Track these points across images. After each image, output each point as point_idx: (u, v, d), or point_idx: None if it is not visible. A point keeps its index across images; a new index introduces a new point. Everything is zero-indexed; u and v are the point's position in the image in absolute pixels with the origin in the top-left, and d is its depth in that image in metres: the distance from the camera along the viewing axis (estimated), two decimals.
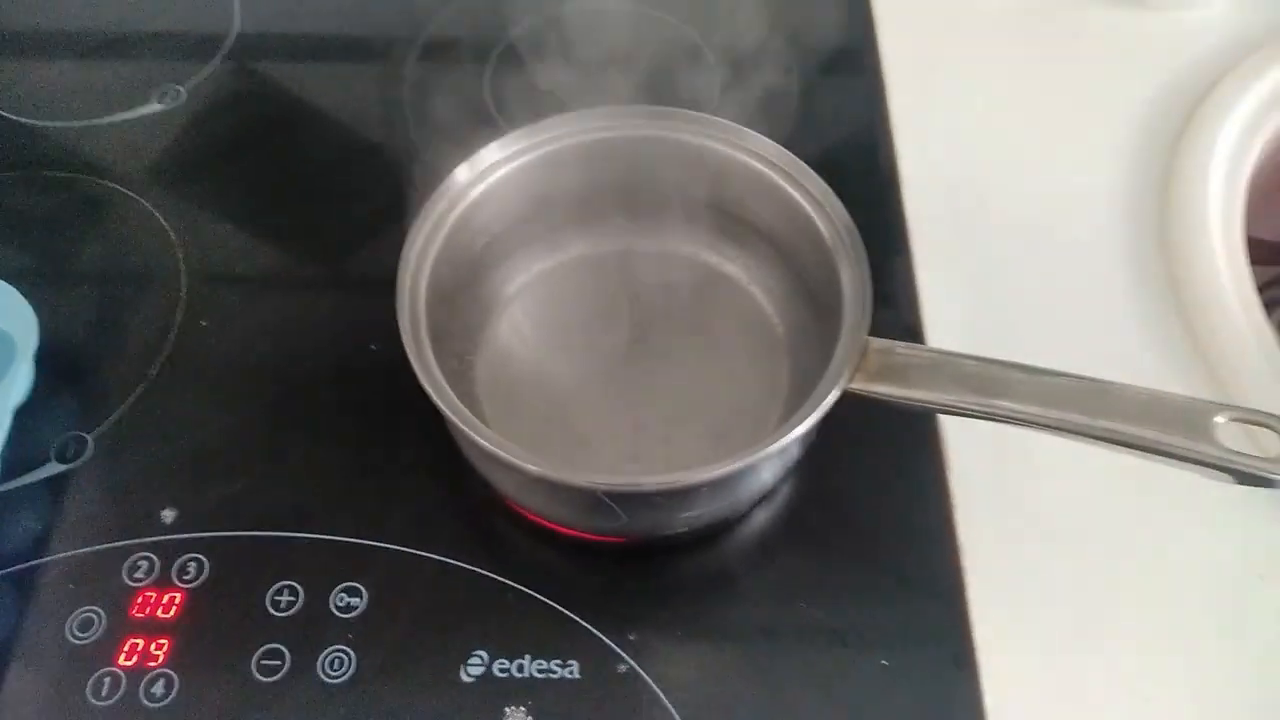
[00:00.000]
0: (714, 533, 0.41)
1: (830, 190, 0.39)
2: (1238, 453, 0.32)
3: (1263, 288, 0.61)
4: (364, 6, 0.60)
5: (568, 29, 0.56)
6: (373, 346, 0.45)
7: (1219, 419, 0.33)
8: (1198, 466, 0.33)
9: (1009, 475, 0.42)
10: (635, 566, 0.41)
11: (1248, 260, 0.48)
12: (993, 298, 0.47)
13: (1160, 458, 0.33)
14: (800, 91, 0.55)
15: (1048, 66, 0.56)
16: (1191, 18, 0.58)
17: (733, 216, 0.43)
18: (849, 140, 0.54)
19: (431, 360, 0.35)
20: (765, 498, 0.41)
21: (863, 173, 0.51)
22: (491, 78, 0.55)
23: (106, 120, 0.53)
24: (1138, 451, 0.33)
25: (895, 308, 0.46)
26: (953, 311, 0.46)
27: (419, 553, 0.40)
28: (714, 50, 0.55)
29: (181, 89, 0.55)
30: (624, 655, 0.38)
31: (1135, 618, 0.40)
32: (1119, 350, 0.46)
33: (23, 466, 0.42)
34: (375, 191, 0.51)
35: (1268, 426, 0.33)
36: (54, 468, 0.42)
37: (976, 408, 0.35)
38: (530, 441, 0.35)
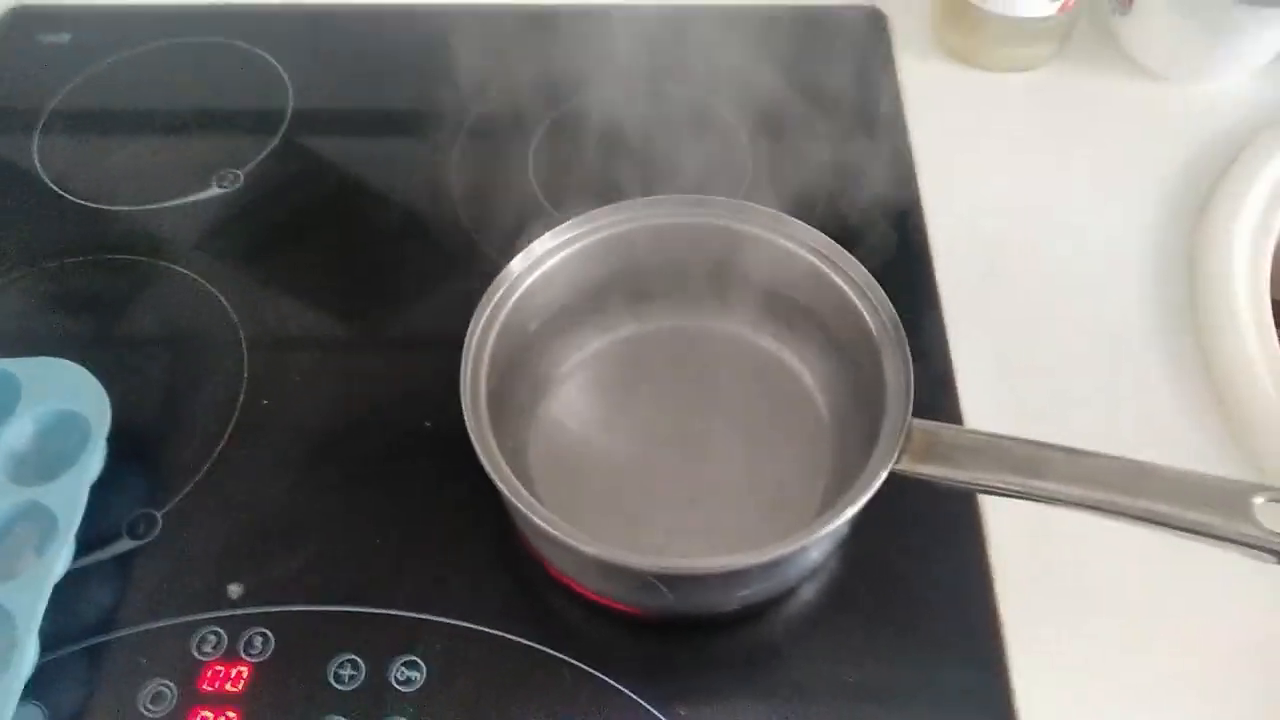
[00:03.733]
0: (763, 608, 0.42)
1: (871, 277, 0.41)
2: (1277, 533, 0.33)
3: None
4: (412, 89, 0.62)
5: (610, 108, 0.58)
6: (427, 423, 0.47)
7: (1258, 499, 0.34)
8: (1238, 546, 0.34)
9: (1047, 546, 0.43)
10: (685, 640, 0.42)
11: (1276, 329, 0.49)
12: (1026, 370, 0.49)
13: (1201, 538, 0.34)
14: (832, 169, 0.56)
15: (1073, 139, 0.58)
16: (1210, 91, 0.60)
17: (775, 298, 0.45)
18: (881, 216, 0.55)
19: (492, 443, 0.37)
20: (812, 574, 0.43)
21: (894, 248, 0.53)
22: (535, 153, 0.58)
23: (169, 204, 0.56)
24: (1178, 532, 0.34)
25: (931, 379, 0.47)
26: (986, 385, 0.48)
27: (475, 626, 0.41)
28: (751, 134, 0.57)
29: (239, 173, 0.57)
30: None
31: (1172, 687, 0.40)
32: (1151, 422, 0.47)
33: (96, 543, 0.44)
34: (427, 266, 0.54)
35: None
36: (125, 544, 0.44)
37: (1019, 488, 0.36)
38: (582, 518, 0.36)
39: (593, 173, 0.52)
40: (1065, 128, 0.59)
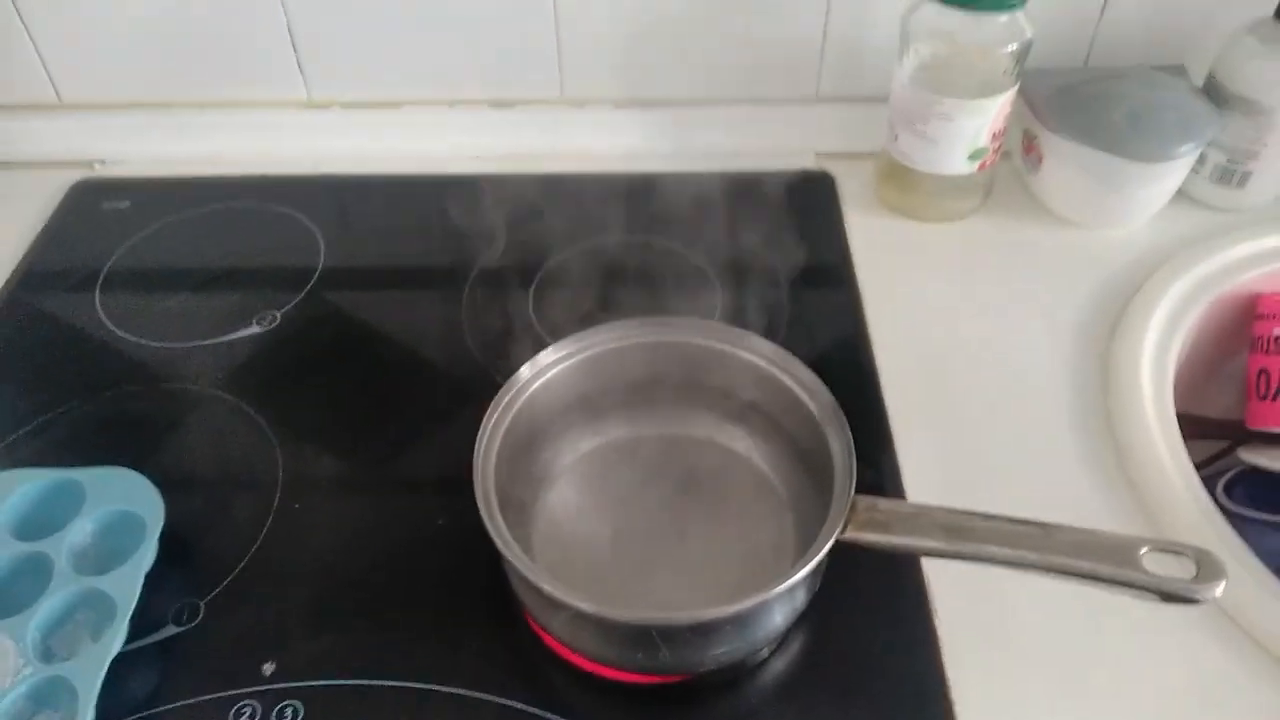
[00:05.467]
0: (738, 675, 0.48)
1: (817, 377, 0.49)
2: (1160, 576, 0.40)
3: (1212, 460, 0.70)
4: (427, 244, 0.72)
5: (595, 261, 0.67)
6: (440, 521, 0.53)
7: (1144, 550, 0.41)
8: (1129, 589, 0.40)
9: (986, 616, 0.49)
10: (671, 708, 0.47)
11: (1177, 427, 0.56)
12: (961, 463, 0.56)
13: (1100, 584, 0.41)
14: (791, 306, 0.65)
15: (998, 276, 0.68)
16: (1116, 235, 0.70)
17: (739, 402, 0.52)
18: (833, 342, 0.64)
19: (501, 522, 0.44)
20: (780, 643, 0.48)
21: (846, 368, 0.61)
22: (534, 300, 0.66)
23: (214, 341, 0.64)
24: (1081, 579, 0.41)
25: (880, 473, 0.55)
26: (928, 476, 0.55)
27: (483, 695, 0.47)
28: (719, 277, 0.66)
29: (277, 314, 0.66)
30: None
31: None
32: (1070, 500, 0.54)
33: (146, 629, 0.49)
34: (440, 390, 0.61)
35: (1184, 554, 0.41)
36: (171, 629, 0.49)
37: (947, 549, 0.43)
38: (581, 594, 0.42)
39: (583, 312, 0.61)
40: (991, 266, 0.68)
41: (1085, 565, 0.41)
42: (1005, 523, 0.43)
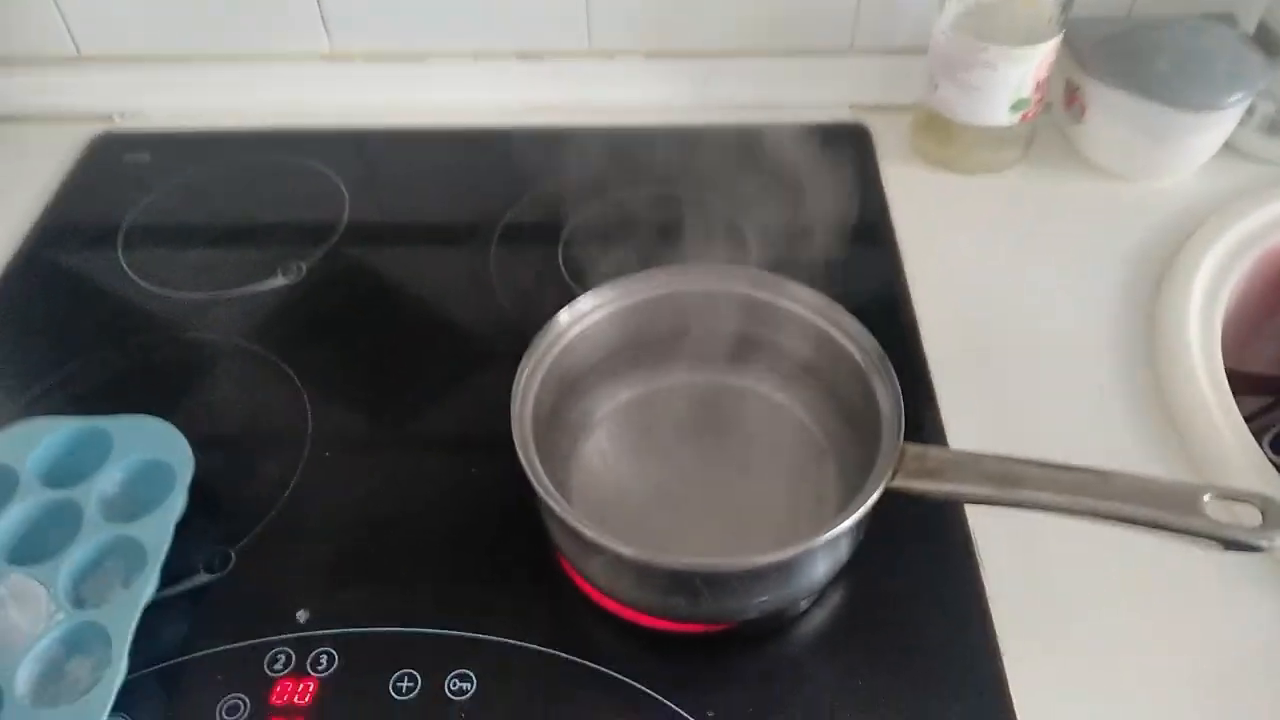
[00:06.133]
0: (780, 625, 0.47)
1: (863, 326, 0.47)
2: (1225, 524, 0.39)
3: (1257, 415, 0.68)
4: (453, 197, 0.71)
5: (630, 213, 0.66)
6: (472, 470, 0.53)
7: (1207, 497, 0.39)
8: (1190, 537, 0.39)
9: (1033, 567, 0.48)
10: (712, 655, 0.46)
11: (1226, 380, 0.55)
12: (1003, 416, 0.55)
13: (1160, 531, 0.39)
14: (828, 258, 0.63)
15: (1040, 229, 0.66)
16: (1161, 186, 0.68)
17: (781, 351, 0.51)
18: (874, 297, 0.62)
19: (539, 467, 0.43)
20: (823, 594, 0.47)
21: (886, 319, 0.59)
22: (564, 252, 0.65)
23: (241, 291, 0.63)
24: (1140, 527, 0.40)
25: (922, 425, 0.53)
26: (970, 429, 0.54)
27: (519, 643, 0.46)
28: (756, 229, 0.65)
29: (302, 265, 0.65)
30: None
31: (1156, 696, 0.45)
32: (1118, 453, 0.53)
33: (177, 577, 0.48)
34: (466, 349, 0.60)
35: (1249, 502, 0.39)
36: (203, 578, 0.49)
37: (1000, 497, 0.41)
38: (622, 538, 0.41)
39: (616, 266, 0.59)
40: (1033, 220, 0.67)
41: (1146, 512, 0.39)
42: (1061, 470, 0.41)
